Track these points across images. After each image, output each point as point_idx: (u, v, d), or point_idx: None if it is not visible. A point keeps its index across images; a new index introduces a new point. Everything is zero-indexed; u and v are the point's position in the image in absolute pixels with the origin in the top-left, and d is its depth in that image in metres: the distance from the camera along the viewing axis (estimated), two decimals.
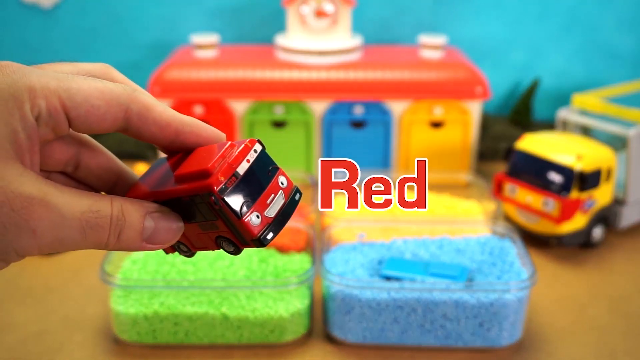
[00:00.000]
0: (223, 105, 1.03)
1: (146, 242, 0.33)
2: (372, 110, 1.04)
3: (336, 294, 0.66)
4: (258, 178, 0.33)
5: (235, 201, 0.32)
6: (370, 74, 1.03)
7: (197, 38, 1.08)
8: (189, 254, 0.37)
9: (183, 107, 1.03)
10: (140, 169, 0.96)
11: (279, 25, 1.18)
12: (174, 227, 0.34)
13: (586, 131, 0.97)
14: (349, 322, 0.67)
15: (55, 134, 0.32)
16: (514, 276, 0.69)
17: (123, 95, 0.33)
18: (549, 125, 1.21)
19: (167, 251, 0.37)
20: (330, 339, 0.69)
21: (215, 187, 0.31)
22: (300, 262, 0.74)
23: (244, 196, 0.32)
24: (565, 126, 0.97)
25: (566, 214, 0.81)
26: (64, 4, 1.19)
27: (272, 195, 0.34)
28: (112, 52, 1.22)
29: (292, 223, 0.78)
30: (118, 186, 0.38)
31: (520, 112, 1.21)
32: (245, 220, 0.32)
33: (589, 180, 0.81)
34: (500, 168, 1.10)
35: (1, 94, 0.30)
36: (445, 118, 1.05)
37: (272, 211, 0.34)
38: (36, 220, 0.30)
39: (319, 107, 1.04)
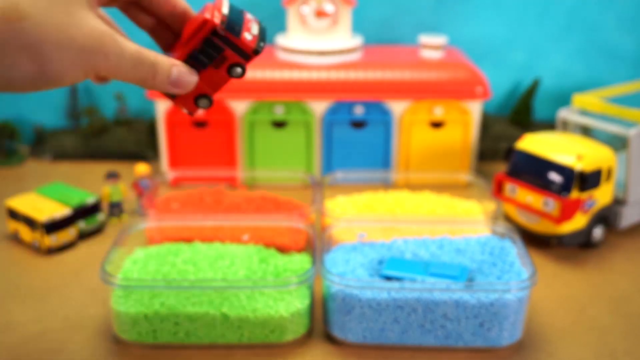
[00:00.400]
0: (223, 105, 1.03)
1: (171, 84, 0.48)
2: (372, 110, 1.04)
3: (336, 293, 0.66)
4: (236, 13, 0.49)
5: (231, 28, 0.48)
6: (370, 74, 1.03)
7: None
8: (209, 102, 0.52)
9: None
10: (140, 169, 0.96)
11: (280, 25, 1.18)
12: (190, 76, 0.49)
13: (586, 131, 0.97)
14: (349, 322, 0.67)
15: None
16: (514, 276, 0.69)
17: None
18: (549, 125, 1.21)
19: (191, 110, 0.52)
20: (330, 339, 0.69)
21: (215, 22, 0.47)
22: (300, 262, 0.74)
23: (234, 25, 0.48)
24: (566, 126, 0.97)
25: (566, 214, 0.82)
26: None
27: (249, 22, 0.50)
28: None
29: (293, 223, 0.79)
30: (175, 10, 0.53)
31: (521, 112, 1.21)
32: (243, 38, 0.49)
33: (589, 180, 0.81)
34: (500, 168, 1.10)
35: None
36: (446, 118, 1.05)
37: (254, 30, 0.50)
38: (108, 47, 0.44)
39: (319, 107, 1.04)
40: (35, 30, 0.41)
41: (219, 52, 0.49)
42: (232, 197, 0.90)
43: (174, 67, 0.48)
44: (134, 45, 0.46)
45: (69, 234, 0.87)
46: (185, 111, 0.53)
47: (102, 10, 0.51)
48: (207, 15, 0.47)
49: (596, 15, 1.22)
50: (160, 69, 0.47)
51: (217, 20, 0.47)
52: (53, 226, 0.85)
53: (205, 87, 0.51)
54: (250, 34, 0.49)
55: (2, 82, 0.42)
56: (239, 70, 0.50)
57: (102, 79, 0.51)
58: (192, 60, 0.49)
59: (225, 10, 0.48)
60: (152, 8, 0.52)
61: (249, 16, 0.51)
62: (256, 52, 0.49)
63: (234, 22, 0.48)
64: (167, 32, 0.54)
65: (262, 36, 0.51)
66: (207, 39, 0.48)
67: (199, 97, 0.52)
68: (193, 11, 0.52)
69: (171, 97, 0.52)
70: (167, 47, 0.54)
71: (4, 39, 0.41)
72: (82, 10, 0.44)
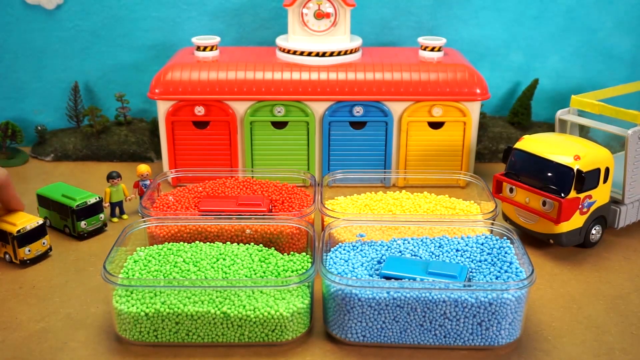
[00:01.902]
0: (224, 106, 1.04)
1: None
2: (372, 110, 1.05)
3: (336, 293, 0.67)
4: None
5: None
6: (370, 74, 1.03)
7: (199, 39, 1.09)
8: None
9: (185, 107, 1.03)
10: (141, 169, 0.97)
11: (280, 26, 1.19)
12: None
13: (584, 132, 0.98)
14: (348, 321, 0.67)
15: None
16: (513, 276, 0.69)
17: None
18: (547, 126, 1.22)
19: None
20: (330, 338, 0.70)
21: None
22: (300, 261, 0.74)
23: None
24: (564, 127, 0.98)
25: (564, 214, 0.82)
26: (67, 5, 1.19)
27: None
28: (114, 54, 1.23)
29: (293, 223, 0.79)
30: None
31: (519, 113, 1.22)
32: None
33: (587, 180, 0.82)
34: (499, 168, 1.11)
35: None
36: (445, 119, 1.05)
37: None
38: None
39: (319, 107, 1.04)
40: None
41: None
42: (231, 187, 0.91)
43: None
44: None
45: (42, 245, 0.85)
46: None
47: None
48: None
49: (594, 18, 1.22)
50: None
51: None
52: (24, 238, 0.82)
53: None
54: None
55: None
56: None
57: None
58: None
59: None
60: None
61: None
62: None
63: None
64: None
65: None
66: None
67: None
68: None
69: None
70: None
71: None
72: None
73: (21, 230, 0.81)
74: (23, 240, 0.82)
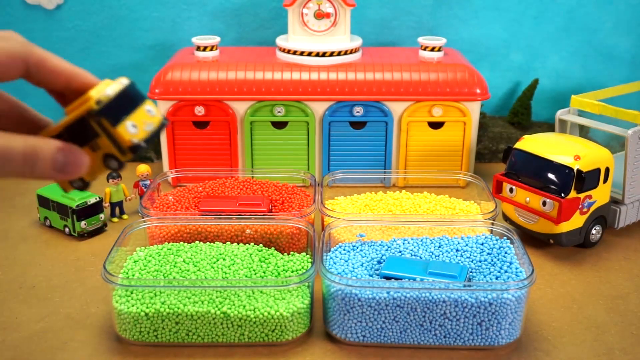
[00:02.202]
0: (224, 106, 1.04)
1: (58, 172, 0.39)
2: (372, 110, 1.05)
3: (336, 293, 0.67)
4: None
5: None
6: (370, 74, 1.03)
7: (199, 39, 1.09)
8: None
9: (185, 107, 1.03)
10: (141, 169, 0.97)
11: (280, 26, 1.19)
12: (80, 159, 0.40)
13: (584, 132, 0.98)
14: (348, 321, 0.67)
15: None
16: (513, 276, 0.69)
17: (21, 50, 0.40)
18: (547, 126, 1.22)
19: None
20: (330, 338, 0.70)
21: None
22: (300, 261, 0.74)
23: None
24: (564, 127, 0.98)
25: (564, 214, 0.82)
26: (67, 5, 1.19)
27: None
28: (114, 54, 1.23)
29: (293, 223, 0.79)
30: (71, 85, 0.43)
31: (519, 113, 1.22)
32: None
33: (587, 180, 0.82)
34: (499, 168, 1.11)
35: None
36: (445, 119, 1.05)
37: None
38: None
39: (319, 107, 1.05)
40: None
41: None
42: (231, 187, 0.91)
43: (60, 152, 0.39)
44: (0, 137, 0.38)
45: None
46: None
47: None
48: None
49: (594, 17, 1.22)
50: (40, 158, 0.38)
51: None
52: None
53: None
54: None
55: None
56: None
57: None
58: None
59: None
60: (43, 83, 0.43)
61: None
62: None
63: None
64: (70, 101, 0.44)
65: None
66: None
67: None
68: (90, 79, 0.44)
69: None
70: None
71: None
72: None
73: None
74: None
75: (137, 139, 0.41)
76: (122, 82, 0.42)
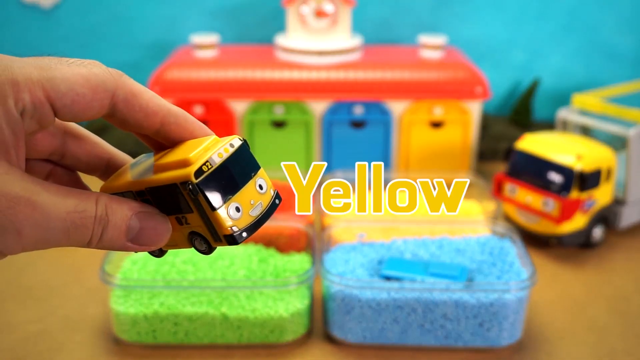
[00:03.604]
0: (223, 105, 1.03)
1: (131, 242, 0.32)
2: (372, 110, 1.04)
3: (336, 294, 0.66)
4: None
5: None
6: (370, 74, 1.03)
7: (197, 38, 1.08)
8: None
9: (183, 107, 1.02)
10: None
11: (279, 25, 1.18)
12: (161, 228, 0.33)
13: (586, 131, 0.97)
14: (348, 322, 0.67)
15: (41, 126, 0.31)
16: (514, 276, 0.69)
17: (109, 80, 0.32)
18: (549, 125, 1.21)
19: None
20: (330, 339, 0.69)
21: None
22: (300, 262, 0.74)
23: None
24: (565, 126, 0.97)
25: (566, 214, 0.81)
26: (64, 4, 1.19)
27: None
28: (112, 52, 1.22)
29: (292, 223, 0.78)
30: (109, 170, 0.38)
31: (520, 112, 1.21)
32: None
33: (588, 180, 0.81)
34: (500, 168, 1.10)
35: None
36: (445, 118, 1.05)
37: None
38: (22, 221, 0.30)
39: (319, 107, 1.04)
40: None
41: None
42: None
43: (134, 216, 0.32)
44: (71, 200, 0.31)
45: None
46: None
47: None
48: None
49: (596, 16, 1.22)
50: (112, 224, 0.32)
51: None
52: None
53: None
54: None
55: None
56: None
57: None
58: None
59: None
60: (129, 127, 0.35)
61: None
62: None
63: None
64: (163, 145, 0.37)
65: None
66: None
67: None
68: (192, 129, 0.36)
69: None
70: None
71: None
72: None
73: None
74: None
75: (237, 227, 0.32)
76: (233, 144, 0.33)
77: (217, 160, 0.32)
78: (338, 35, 1.07)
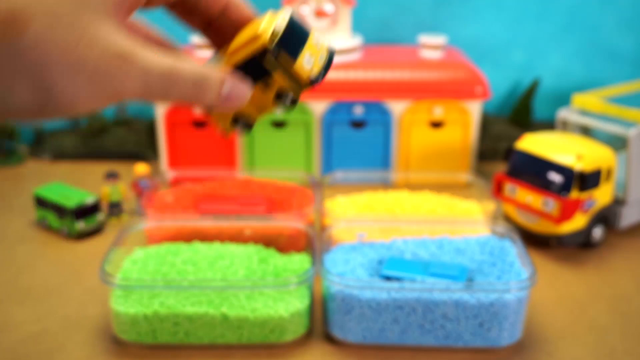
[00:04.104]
0: None
1: (224, 98, 0.39)
2: (372, 110, 1.04)
3: (336, 294, 0.66)
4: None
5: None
6: (370, 74, 1.03)
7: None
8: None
9: (182, 107, 1.03)
10: (140, 169, 0.96)
11: None
12: (245, 87, 0.40)
13: (586, 131, 0.97)
14: (349, 322, 0.67)
15: None
16: (514, 276, 0.69)
17: None
18: (549, 125, 1.21)
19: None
20: (330, 339, 0.69)
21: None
22: (300, 262, 0.74)
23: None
24: (565, 126, 0.97)
25: (566, 214, 0.81)
26: None
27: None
28: None
29: (292, 223, 0.78)
30: (226, 13, 0.43)
31: (520, 112, 1.21)
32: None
33: (589, 180, 0.81)
34: (500, 168, 1.10)
35: None
36: (445, 118, 1.05)
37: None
38: (129, 68, 0.35)
39: (319, 107, 1.04)
40: (35, 48, 0.32)
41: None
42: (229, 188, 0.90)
43: (226, 82, 0.39)
44: (168, 59, 0.37)
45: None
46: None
47: (132, 18, 0.43)
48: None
49: (596, 15, 1.22)
50: (209, 85, 0.38)
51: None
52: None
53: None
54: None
55: (25, 115, 0.35)
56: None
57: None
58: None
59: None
60: (198, 8, 0.43)
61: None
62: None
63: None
64: (220, 34, 0.44)
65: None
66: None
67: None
68: (248, 11, 0.43)
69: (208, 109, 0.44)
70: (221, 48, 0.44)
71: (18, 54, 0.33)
72: (97, 22, 0.35)
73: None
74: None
75: (315, 72, 0.41)
76: (287, 12, 0.40)
77: (283, 25, 0.39)
78: (338, 35, 1.07)
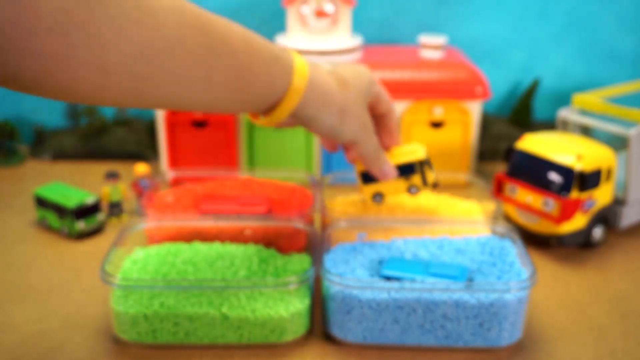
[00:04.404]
0: None
1: (380, 173, 0.70)
2: None
3: (336, 294, 0.66)
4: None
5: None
6: None
7: None
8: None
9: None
10: (140, 169, 0.96)
11: (279, 25, 1.18)
12: (394, 172, 0.71)
13: (586, 131, 0.97)
14: (349, 322, 0.67)
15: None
16: (514, 276, 0.69)
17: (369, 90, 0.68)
18: (549, 125, 1.21)
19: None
20: (330, 339, 0.69)
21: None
22: (300, 262, 0.74)
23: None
24: (566, 126, 0.97)
25: (566, 214, 0.81)
26: None
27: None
28: None
29: (292, 223, 0.78)
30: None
31: (521, 112, 1.21)
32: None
33: (589, 180, 0.81)
34: (500, 168, 1.10)
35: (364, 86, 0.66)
36: (446, 118, 1.05)
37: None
38: (368, 132, 0.67)
39: None
40: (347, 100, 0.62)
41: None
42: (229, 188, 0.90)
43: (388, 164, 0.71)
44: (377, 140, 0.69)
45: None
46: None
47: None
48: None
49: (596, 15, 1.22)
50: (382, 160, 0.70)
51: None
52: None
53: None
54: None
55: (326, 131, 0.63)
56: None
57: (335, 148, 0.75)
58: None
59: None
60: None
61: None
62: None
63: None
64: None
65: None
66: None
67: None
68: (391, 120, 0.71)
69: (363, 180, 0.74)
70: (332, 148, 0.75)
71: (341, 100, 0.62)
72: (364, 102, 0.65)
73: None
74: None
75: (434, 179, 0.73)
76: (422, 148, 0.72)
77: (425, 152, 0.72)
78: (338, 35, 1.07)
